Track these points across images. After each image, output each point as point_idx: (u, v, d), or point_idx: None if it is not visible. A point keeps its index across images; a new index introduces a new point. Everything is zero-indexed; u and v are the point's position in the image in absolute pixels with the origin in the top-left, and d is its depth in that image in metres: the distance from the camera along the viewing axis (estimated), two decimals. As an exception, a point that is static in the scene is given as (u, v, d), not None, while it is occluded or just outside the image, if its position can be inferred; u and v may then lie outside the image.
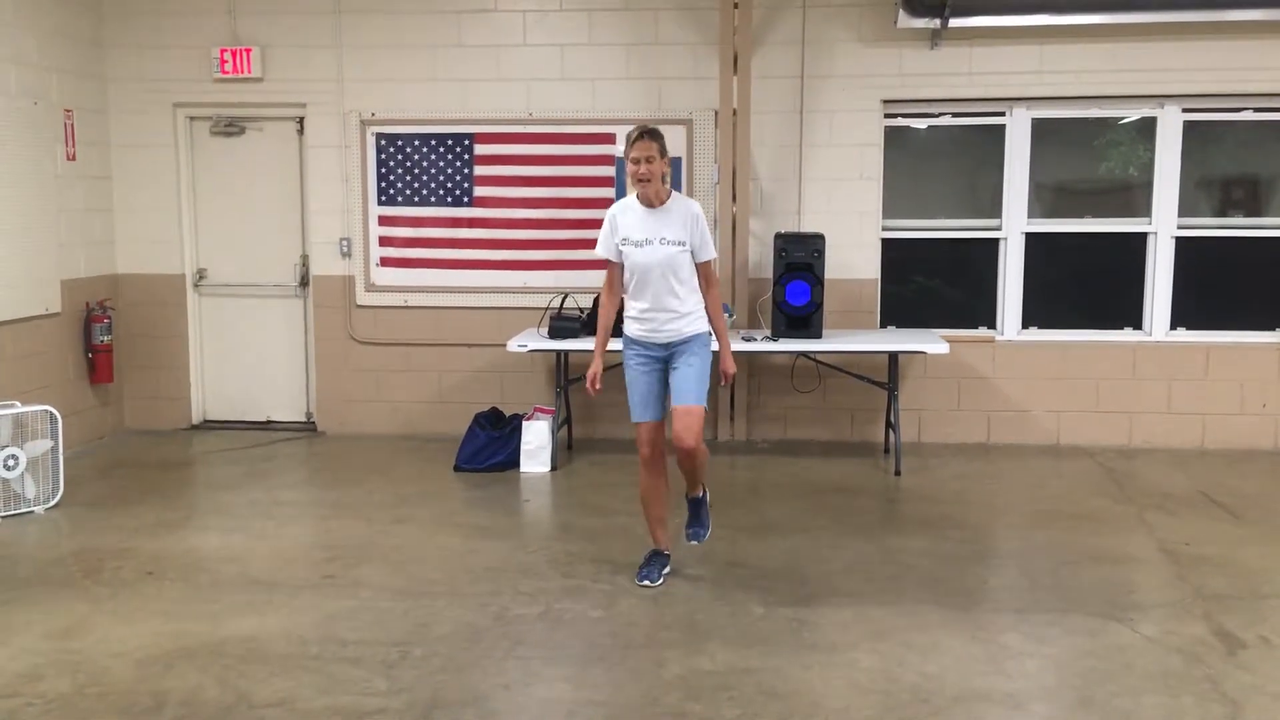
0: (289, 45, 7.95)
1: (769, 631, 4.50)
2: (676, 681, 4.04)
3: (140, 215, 8.17)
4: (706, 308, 5.04)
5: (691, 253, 4.93)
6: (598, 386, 5.06)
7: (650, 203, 4.94)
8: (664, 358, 4.98)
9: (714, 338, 5.07)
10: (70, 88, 7.68)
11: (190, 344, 8.33)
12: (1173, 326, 7.84)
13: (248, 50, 7.90)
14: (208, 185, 8.25)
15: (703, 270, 5.01)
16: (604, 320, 5.14)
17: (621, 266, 5.01)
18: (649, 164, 4.83)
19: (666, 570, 5.13)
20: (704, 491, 5.20)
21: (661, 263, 4.87)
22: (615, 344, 5.17)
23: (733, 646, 4.34)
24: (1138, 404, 7.77)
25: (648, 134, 4.87)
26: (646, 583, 5.00)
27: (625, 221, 4.96)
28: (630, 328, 5.03)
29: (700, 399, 4.94)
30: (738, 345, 6.91)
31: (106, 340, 7.85)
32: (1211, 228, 7.78)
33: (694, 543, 5.21)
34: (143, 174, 8.13)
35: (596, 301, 7.29)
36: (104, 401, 8.06)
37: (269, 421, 8.41)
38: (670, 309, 4.92)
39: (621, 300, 5.13)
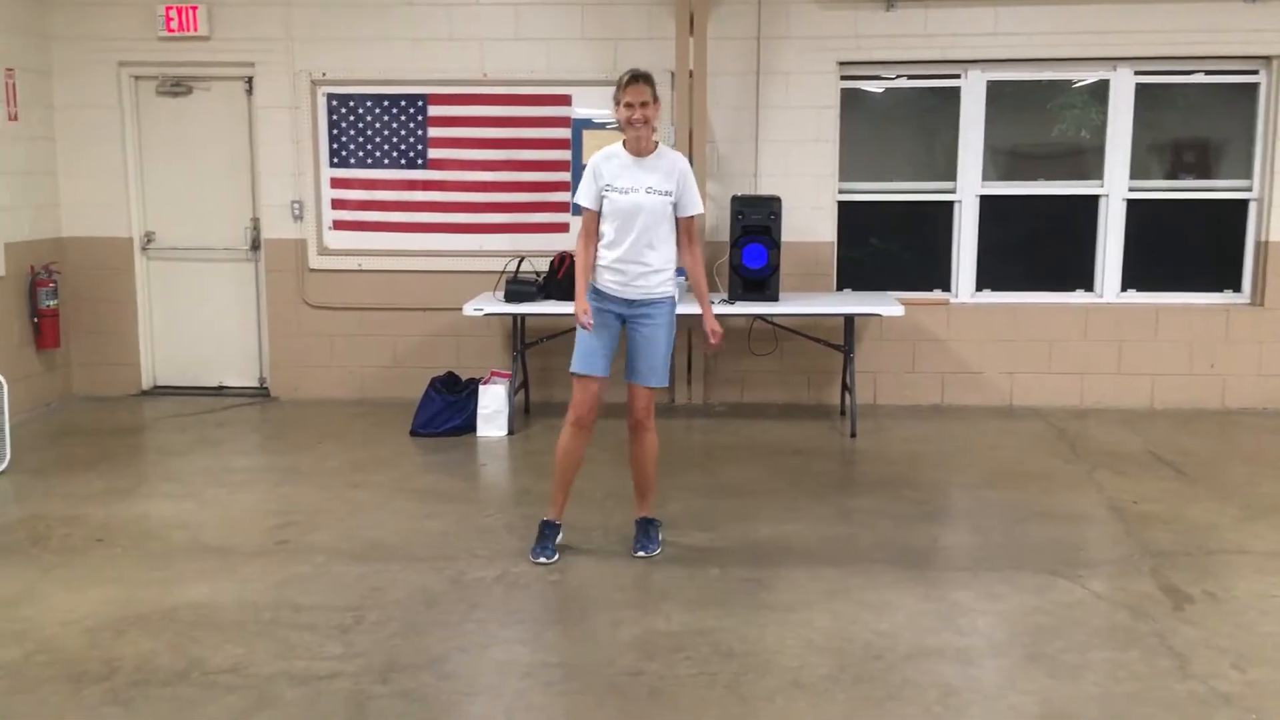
0: (236, 3, 7.76)
1: (725, 592, 4.52)
2: (633, 642, 4.05)
3: (86, 177, 7.99)
4: (685, 264, 4.95)
5: (675, 206, 4.79)
6: (588, 321, 4.82)
7: (638, 152, 4.78)
8: (625, 315, 4.86)
9: (676, 303, 4.94)
10: (11, 46, 7.46)
11: (139, 308, 8.18)
12: (1123, 288, 7.93)
13: (194, 7, 7.71)
14: (154, 147, 8.08)
15: (685, 226, 4.86)
16: (583, 262, 4.86)
17: (599, 215, 4.82)
18: (643, 108, 4.67)
19: (559, 539, 4.97)
20: (655, 517, 5.07)
21: (645, 211, 4.72)
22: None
23: (689, 607, 4.36)
24: (1089, 365, 7.86)
25: (641, 78, 4.70)
26: (543, 560, 4.82)
27: (610, 169, 4.78)
28: (601, 277, 4.85)
29: (664, 380, 4.89)
30: (694, 309, 6.85)
31: (53, 305, 7.70)
32: (1162, 190, 7.86)
33: (641, 554, 4.92)
34: (87, 135, 7.94)
35: (552, 265, 7.31)
36: (50, 367, 7.91)
37: (221, 387, 8.30)
38: (645, 262, 4.77)
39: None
